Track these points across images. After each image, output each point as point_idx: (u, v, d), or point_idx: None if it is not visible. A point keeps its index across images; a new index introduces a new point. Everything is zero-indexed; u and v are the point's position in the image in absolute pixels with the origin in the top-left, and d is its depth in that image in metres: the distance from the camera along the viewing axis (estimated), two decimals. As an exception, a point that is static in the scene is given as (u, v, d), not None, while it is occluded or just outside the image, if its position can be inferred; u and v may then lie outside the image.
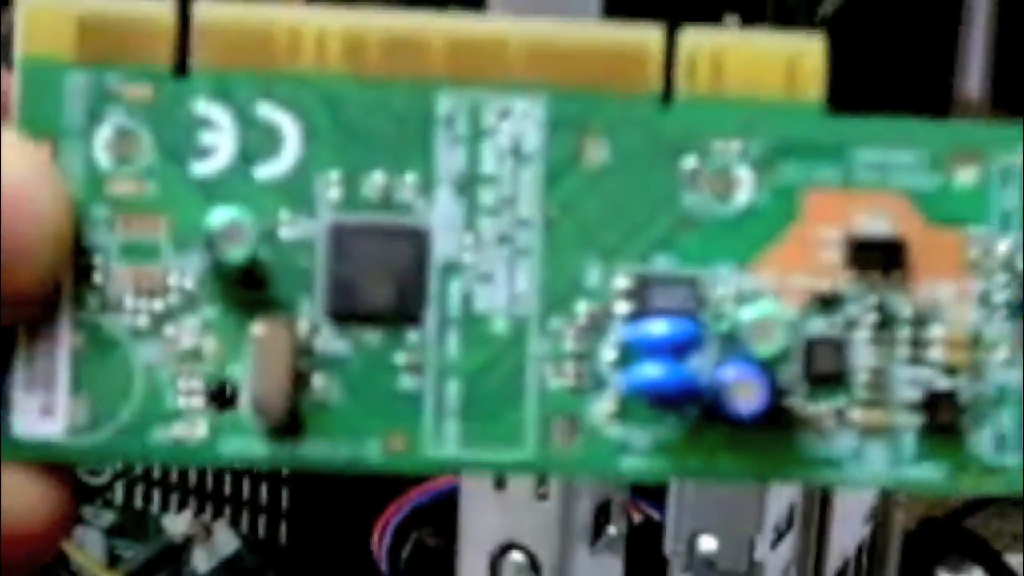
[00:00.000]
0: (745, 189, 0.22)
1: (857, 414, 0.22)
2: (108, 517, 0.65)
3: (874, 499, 0.66)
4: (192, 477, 0.63)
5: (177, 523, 0.64)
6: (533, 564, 0.50)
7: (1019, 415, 0.22)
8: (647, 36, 0.22)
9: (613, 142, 0.22)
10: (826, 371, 0.22)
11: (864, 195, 0.22)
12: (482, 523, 0.51)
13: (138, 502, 0.64)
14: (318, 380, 0.22)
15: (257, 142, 0.22)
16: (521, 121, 0.22)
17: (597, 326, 0.22)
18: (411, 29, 0.22)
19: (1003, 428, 0.22)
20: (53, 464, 0.21)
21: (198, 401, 0.22)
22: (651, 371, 0.22)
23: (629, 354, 0.22)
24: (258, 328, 0.22)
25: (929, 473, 0.22)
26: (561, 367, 0.22)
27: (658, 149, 0.22)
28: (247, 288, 0.22)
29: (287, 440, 0.22)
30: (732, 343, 0.22)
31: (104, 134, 0.22)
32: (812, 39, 0.22)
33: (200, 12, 0.22)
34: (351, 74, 0.22)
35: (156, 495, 0.63)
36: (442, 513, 0.55)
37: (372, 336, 0.22)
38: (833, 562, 0.64)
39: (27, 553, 0.21)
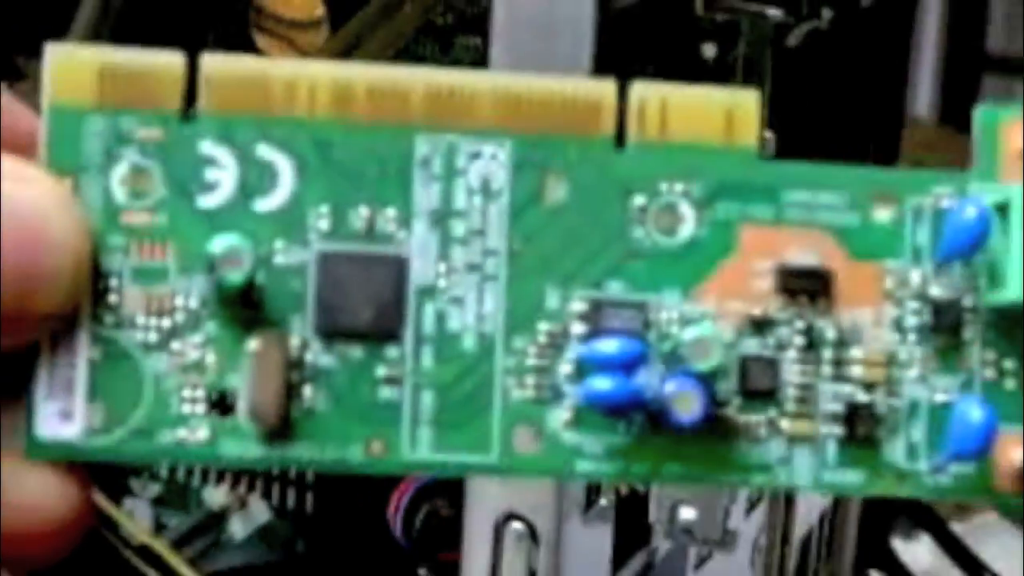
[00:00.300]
0: (688, 224, 0.22)
1: (786, 424, 0.22)
2: (154, 489, 0.64)
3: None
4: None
5: (216, 495, 0.64)
6: (532, 532, 0.50)
7: (929, 427, 0.22)
8: (602, 88, 0.22)
9: (571, 182, 0.22)
10: (759, 386, 0.22)
11: (793, 231, 0.22)
12: (487, 495, 0.51)
13: (181, 476, 0.64)
14: (307, 390, 0.22)
15: (256, 179, 0.22)
16: (489, 162, 0.22)
17: (555, 344, 0.22)
18: (393, 80, 0.22)
19: (914, 438, 0.22)
20: (71, 462, 0.22)
21: (200, 408, 0.22)
22: (602, 384, 0.22)
23: (583, 369, 0.22)
24: (254, 343, 0.22)
25: (849, 478, 0.22)
26: (523, 380, 0.22)
27: (611, 188, 0.22)
28: (245, 308, 0.22)
29: (279, 443, 0.22)
30: (674, 360, 0.22)
31: (120, 171, 0.22)
32: (748, 93, 0.22)
33: (206, 63, 0.22)
34: (339, 119, 0.22)
35: (197, 470, 0.63)
36: (451, 486, 0.55)
37: (356, 351, 0.22)
38: (799, 530, 0.64)
39: (49, 539, 0.21)
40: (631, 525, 0.54)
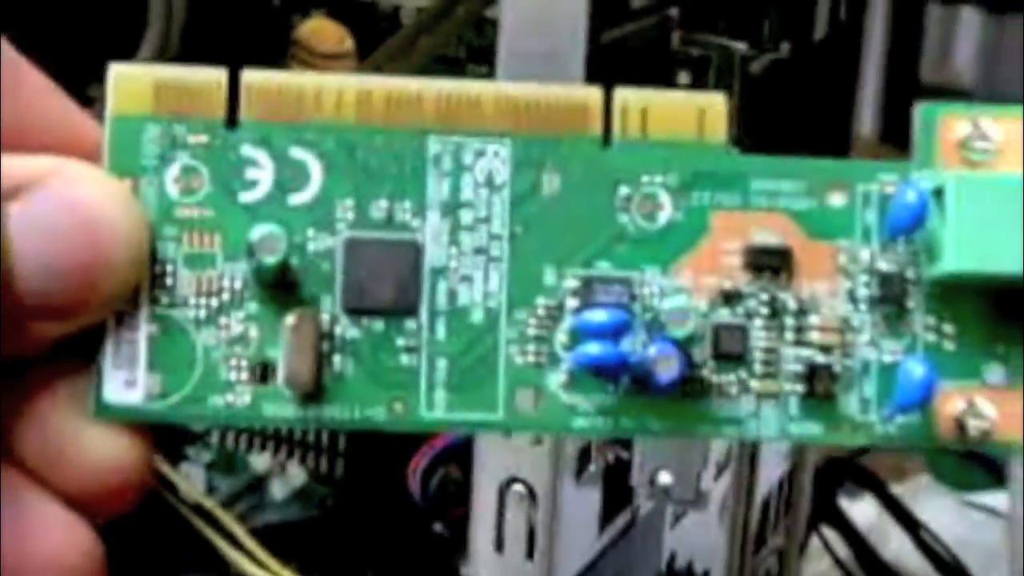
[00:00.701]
0: (666, 211, 0.22)
1: (754, 383, 0.22)
2: (207, 456, 0.64)
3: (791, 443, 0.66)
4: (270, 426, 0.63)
5: (259, 461, 0.64)
6: (531, 494, 0.50)
7: (879, 384, 0.22)
8: (590, 94, 0.22)
9: (564, 175, 0.22)
10: (730, 351, 0.22)
11: (758, 215, 0.22)
12: (492, 462, 0.51)
13: (229, 445, 0.64)
14: (337, 359, 0.22)
15: (290, 176, 0.22)
16: (493, 159, 0.22)
17: (552, 316, 0.22)
18: (408, 89, 0.22)
19: (866, 394, 0.22)
20: (134, 424, 0.22)
21: (244, 376, 0.22)
22: (593, 350, 0.22)
23: (577, 337, 0.22)
24: (290, 319, 0.22)
25: (810, 429, 0.22)
26: (525, 348, 0.22)
27: (599, 180, 0.22)
28: (282, 288, 0.22)
29: (313, 406, 0.22)
30: (656, 328, 0.22)
31: (173, 172, 0.22)
32: (716, 95, 0.22)
33: (246, 77, 0.22)
34: (362, 124, 0.22)
35: (243, 439, 0.63)
36: (462, 453, 0.55)
37: (378, 325, 0.22)
38: (761, 490, 0.64)
39: (115, 491, 0.21)
40: (616, 488, 0.54)
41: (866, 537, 0.82)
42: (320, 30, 0.60)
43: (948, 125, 0.22)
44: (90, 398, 0.21)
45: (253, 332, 0.22)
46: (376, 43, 0.59)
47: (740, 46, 0.56)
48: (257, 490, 0.64)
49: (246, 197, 0.22)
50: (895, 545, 0.85)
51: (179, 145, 0.22)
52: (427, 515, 0.59)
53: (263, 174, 0.22)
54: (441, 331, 0.22)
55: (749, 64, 0.57)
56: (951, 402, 0.22)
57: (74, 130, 0.21)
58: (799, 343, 0.22)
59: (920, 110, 0.22)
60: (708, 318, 0.22)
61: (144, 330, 0.22)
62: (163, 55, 0.58)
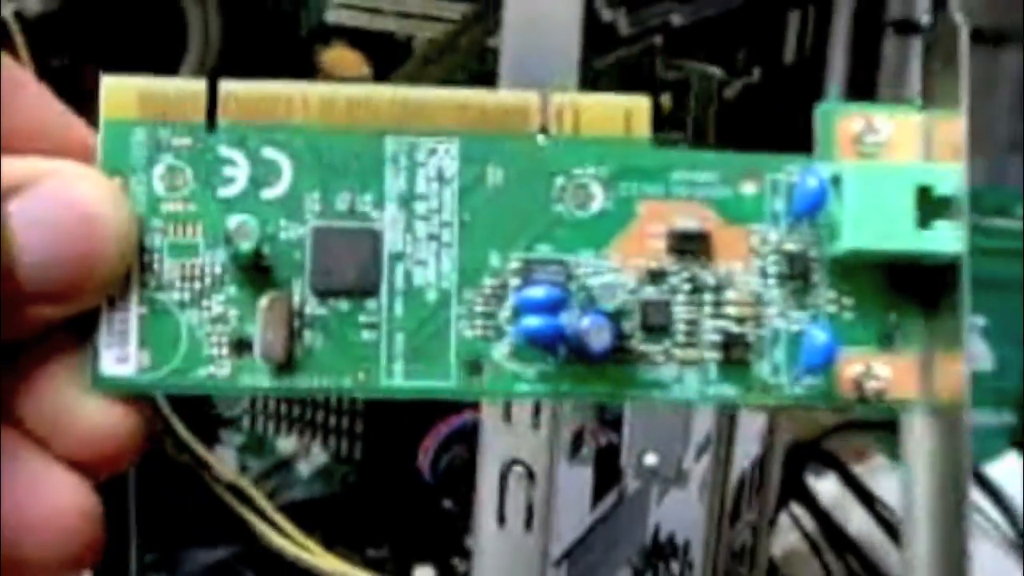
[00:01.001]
0: (598, 200, 0.22)
1: (677, 352, 0.22)
2: (239, 439, 0.64)
3: (763, 427, 0.66)
4: (296, 411, 0.62)
5: (286, 443, 0.64)
6: (530, 474, 0.50)
7: (787, 350, 0.22)
8: (528, 97, 0.22)
9: (506, 169, 0.22)
10: (655, 323, 0.22)
11: (679, 203, 0.22)
12: (495, 445, 0.51)
13: (259, 428, 0.63)
14: (306, 334, 0.22)
15: (263, 173, 0.22)
16: (443, 156, 0.22)
17: (497, 295, 0.22)
18: (366, 95, 0.22)
19: (777, 359, 0.22)
20: (128, 395, 0.22)
21: (225, 351, 0.22)
22: (533, 322, 0.22)
23: (518, 312, 0.22)
24: (264, 300, 0.22)
25: (727, 392, 0.22)
26: (473, 323, 0.22)
27: (537, 173, 0.22)
28: (257, 272, 0.22)
29: (285, 376, 0.22)
30: (589, 303, 0.22)
31: (159, 171, 0.22)
32: (642, 97, 0.23)
33: (223, 86, 0.22)
34: (327, 126, 0.22)
35: (272, 424, 0.63)
36: (468, 437, 0.55)
37: (343, 304, 0.22)
38: (736, 470, 0.64)
39: (112, 454, 0.21)
40: (607, 468, 0.54)
41: (830, 512, 0.82)
42: (341, 58, 0.60)
43: (844, 122, 0.22)
44: (87, 372, 0.21)
45: (232, 312, 0.22)
46: (391, 69, 0.59)
47: (716, 71, 0.56)
48: (284, 470, 0.64)
49: (224, 192, 0.22)
50: (855, 519, 0.85)
51: (164, 147, 0.22)
52: (437, 492, 0.59)
53: (239, 172, 0.22)
54: (399, 309, 0.22)
55: (724, 88, 0.57)
56: (851, 365, 0.22)
57: (70, 134, 0.22)
58: (716, 316, 0.22)
59: (820, 111, 0.23)
60: (636, 295, 0.22)
61: (135, 311, 0.22)
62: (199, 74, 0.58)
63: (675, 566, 0.65)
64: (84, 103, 0.22)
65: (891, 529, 0.78)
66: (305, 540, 0.59)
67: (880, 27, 0.69)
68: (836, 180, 0.22)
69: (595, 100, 0.22)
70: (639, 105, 0.22)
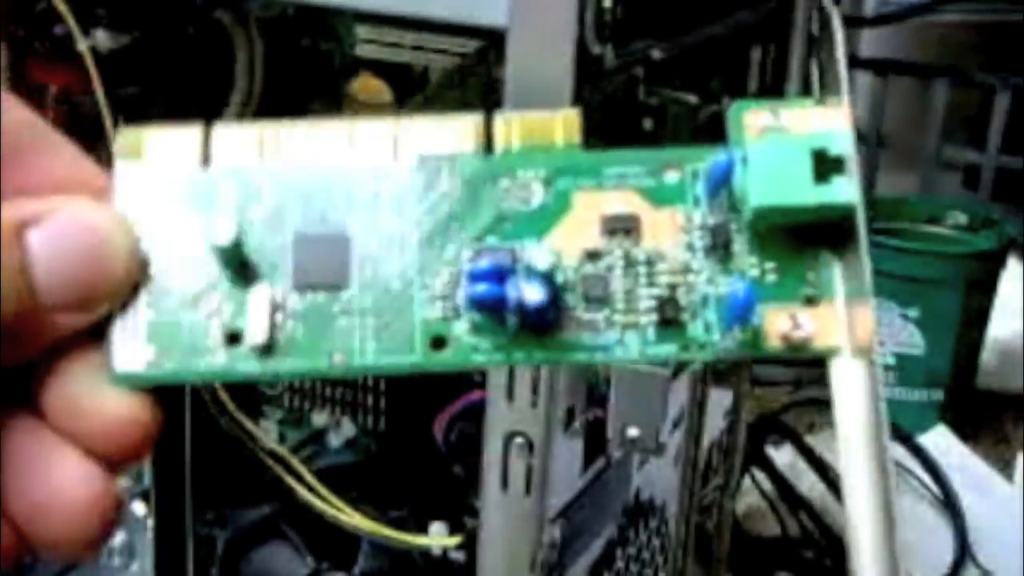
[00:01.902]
0: (538, 196, 0.22)
1: (618, 317, 0.21)
2: (279, 413, 0.64)
3: (730, 404, 0.65)
4: (328, 391, 0.62)
5: (319, 417, 0.63)
6: (529, 444, 0.49)
7: (717, 310, 0.22)
8: (476, 118, 0.22)
9: (458, 176, 0.22)
10: (596, 295, 0.22)
11: (610, 193, 0.22)
12: (499, 419, 0.50)
13: (297, 404, 0.63)
14: (289, 325, 0.21)
15: (251, 195, 0.22)
16: (404, 171, 0.22)
17: (453, 281, 0.21)
18: (338, 129, 0.22)
19: (708, 319, 0.21)
20: (140, 387, 0.21)
21: (219, 343, 0.21)
22: (480, 288, 0.21)
23: (469, 281, 0.21)
24: (252, 297, 0.21)
25: (665, 350, 0.22)
26: (434, 305, 0.21)
27: (486, 177, 0.22)
28: (244, 272, 0.21)
29: (271, 362, 0.21)
30: (528, 273, 0.21)
31: (164, 198, 0.22)
32: (573, 110, 0.22)
33: (216, 130, 0.22)
34: (306, 158, 0.22)
35: (307, 401, 0.63)
36: (476, 412, 0.54)
37: (320, 298, 0.21)
38: (705, 441, 0.63)
39: (129, 443, 0.20)
40: (595, 439, 0.54)
41: (786, 476, 0.82)
42: (365, 86, 0.59)
43: (752, 115, 0.22)
44: (105, 368, 0.21)
45: (225, 309, 0.21)
46: (409, 95, 0.58)
47: (691, 98, 0.55)
48: (318, 440, 0.63)
49: (219, 212, 0.22)
50: (807, 483, 0.85)
51: (168, 179, 0.22)
52: (449, 460, 0.58)
53: (230, 196, 0.22)
54: (368, 299, 0.21)
55: (698, 112, 0.56)
56: (778, 319, 0.21)
57: (85, 174, 0.21)
58: (651, 284, 0.22)
59: (731, 108, 0.22)
60: (578, 272, 0.22)
61: (143, 314, 0.21)
62: (247, 107, 0.57)
63: (653, 523, 0.64)
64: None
65: (838, 491, 0.78)
66: (336, 501, 0.58)
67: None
68: (744, 160, 0.21)
69: (533, 116, 0.22)
70: (571, 115, 0.22)
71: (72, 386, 0.20)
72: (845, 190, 0.21)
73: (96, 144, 0.59)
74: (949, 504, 0.81)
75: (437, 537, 0.57)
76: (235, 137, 0.22)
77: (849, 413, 0.21)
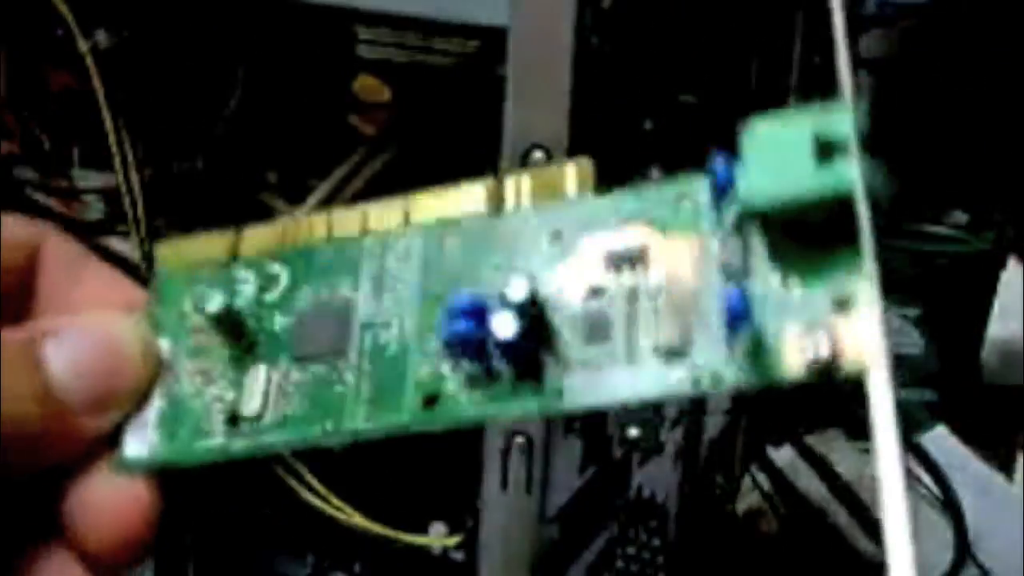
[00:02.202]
0: (544, 243, 0.21)
1: (621, 353, 0.20)
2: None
3: (730, 404, 0.65)
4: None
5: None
6: (530, 444, 0.50)
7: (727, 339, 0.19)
8: (486, 183, 0.22)
9: (464, 237, 0.22)
10: (598, 332, 0.20)
11: (618, 232, 0.21)
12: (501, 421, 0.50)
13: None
14: (285, 399, 0.22)
15: (268, 284, 0.22)
16: (410, 243, 0.22)
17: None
18: (351, 214, 0.22)
19: (719, 349, 0.19)
20: (144, 473, 0.21)
21: (220, 426, 0.22)
22: (459, 326, 0.20)
23: (449, 318, 0.21)
24: (252, 379, 0.22)
25: (675, 388, 0.19)
26: (429, 363, 0.21)
27: (490, 237, 0.21)
28: (243, 349, 0.22)
29: (264, 436, 0.21)
30: (503, 305, 0.20)
31: (193, 299, 0.23)
32: (586, 160, 0.21)
33: (245, 232, 0.23)
34: (319, 240, 0.23)
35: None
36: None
37: (319, 368, 0.21)
38: (705, 440, 0.63)
39: (133, 525, 0.21)
40: (595, 439, 0.54)
41: (785, 476, 0.81)
42: (366, 85, 0.60)
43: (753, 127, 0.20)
44: (113, 455, 0.21)
45: (228, 395, 0.22)
46: (409, 95, 0.58)
47: (687, 98, 0.55)
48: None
49: (238, 301, 0.22)
50: (805, 482, 0.85)
51: (198, 280, 0.23)
52: (448, 460, 0.59)
53: (248, 286, 0.22)
54: (366, 364, 0.21)
55: (698, 114, 0.56)
56: (798, 341, 0.19)
57: (114, 291, 0.23)
58: (658, 317, 0.20)
59: (744, 131, 0.20)
60: (580, 308, 0.20)
61: (156, 404, 0.22)
62: (247, 107, 0.57)
63: (653, 523, 0.64)
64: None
65: (838, 491, 0.78)
66: (336, 500, 0.58)
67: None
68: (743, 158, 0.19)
69: (541, 170, 0.22)
70: (583, 166, 0.21)
71: (83, 488, 0.21)
72: (848, 174, 0.19)
73: (96, 144, 0.59)
74: (949, 504, 0.81)
75: (437, 537, 0.57)
76: (258, 236, 0.23)
77: (883, 423, 0.19)
